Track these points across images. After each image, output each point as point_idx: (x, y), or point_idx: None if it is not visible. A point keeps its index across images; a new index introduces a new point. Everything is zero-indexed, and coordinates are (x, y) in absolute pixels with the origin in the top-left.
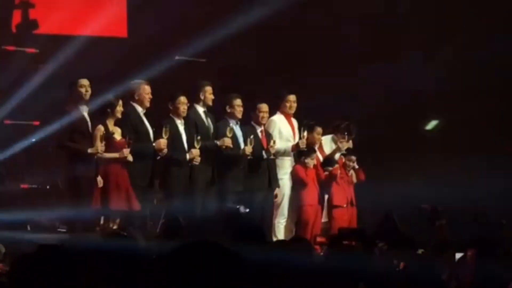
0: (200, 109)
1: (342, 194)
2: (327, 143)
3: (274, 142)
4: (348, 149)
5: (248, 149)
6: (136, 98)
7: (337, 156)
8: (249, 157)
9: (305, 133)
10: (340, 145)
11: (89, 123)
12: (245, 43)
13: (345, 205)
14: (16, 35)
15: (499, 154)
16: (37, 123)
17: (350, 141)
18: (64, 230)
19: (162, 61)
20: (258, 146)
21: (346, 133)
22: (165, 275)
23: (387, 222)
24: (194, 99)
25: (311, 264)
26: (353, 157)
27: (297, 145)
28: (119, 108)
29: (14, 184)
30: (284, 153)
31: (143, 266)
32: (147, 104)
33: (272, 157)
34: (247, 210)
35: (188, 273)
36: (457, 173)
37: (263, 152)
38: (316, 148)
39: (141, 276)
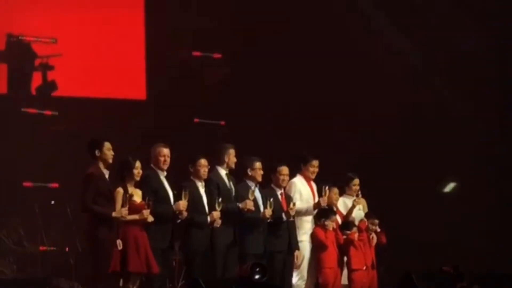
0: (223, 172)
1: (361, 257)
2: (341, 204)
3: (294, 204)
4: (369, 213)
5: (268, 212)
6: (154, 160)
7: (359, 217)
8: (268, 220)
9: (327, 191)
10: (355, 203)
11: (110, 186)
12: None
13: (364, 268)
14: (35, 97)
15: None
16: (56, 185)
17: (362, 198)
18: None
19: (182, 123)
20: (278, 209)
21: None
22: None
23: (406, 282)
24: (216, 161)
25: None
26: (376, 221)
27: (318, 203)
28: (137, 171)
29: (33, 245)
30: (305, 213)
31: None
32: (164, 167)
33: (291, 219)
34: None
35: None
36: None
37: (283, 215)
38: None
39: None
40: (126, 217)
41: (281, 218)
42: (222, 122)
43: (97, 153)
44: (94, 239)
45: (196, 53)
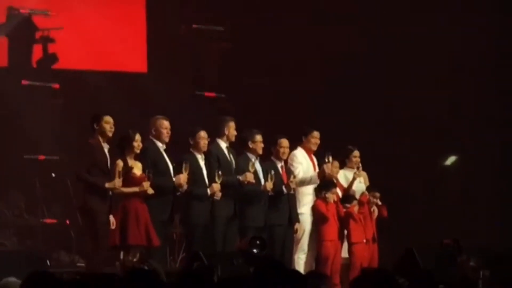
0: (223, 144)
1: (361, 230)
2: (341, 176)
3: (295, 177)
4: (371, 186)
5: (269, 185)
6: (154, 133)
7: (360, 190)
8: (269, 193)
9: (330, 158)
10: (355, 175)
11: (109, 160)
12: (263, 77)
13: (364, 241)
14: (36, 70)
15: None
16: (56, 158)
17: (363, 171)
18: (83, 265)
19: (182, 96)
20: (279, 181)
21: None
22: None
23: (408, 258)
24: (216, 134)
25: None
26: (377, 194)
27: (322, 171)
28: (137, 143)
29: (33, 218)
30: (309, 182)
31: None
32: (166, 139)
33: (292, 192)
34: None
35: None
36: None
37: (284, 187)
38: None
39: None
40: (123, 189)
41: (282, 191)
42: (223, 95)
43: (95, 126)
44: (86, 209)
45: (197, 26)
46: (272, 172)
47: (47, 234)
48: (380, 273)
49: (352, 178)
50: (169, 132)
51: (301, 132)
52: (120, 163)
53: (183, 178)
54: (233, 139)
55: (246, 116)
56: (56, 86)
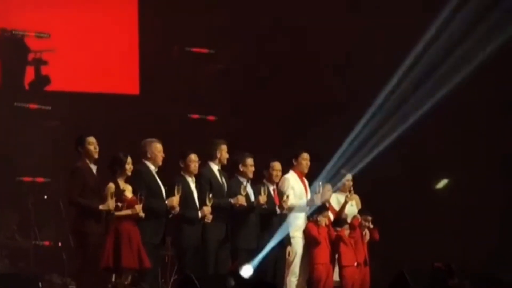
0: (215, 167)
1: (351, 254)
2: (333, 200)
3: (288, 197)
4: (363, 209)
5: (263, 198)
6: (149, 156)
7: (352, 213)
8: (263, 207)
9: (321, 188)
10: (347, 199)
11: (98, 181)
12: (256, 99)
13: (355, 265)
14: (28, 92)
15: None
16: (48, 180)
17: (355, 195)
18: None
19: (174, 118)
20: (271, 203)
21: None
22: None
23: (399, 281)
24: (208, 157)
25: None
26: (369, 217)
27: (312, 200)
28: (129, 166)
29: (25, 240)
30: (298, 210)
31: None
32: (159, 163)
33: (285, 211)
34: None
35: None
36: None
37: (277, 207)
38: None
39: None
40: (114, 210)
41: (275, 211)
42: (214, 118)
43: (80, 149)
44: (81, 233)
45: (189, 48)
46: (265, 188)
47: (40, 256)
48: None
49: (344, 202)
50: (163, 155)
51: (291, 155)
52: (112, 186)
53: (175, 200)
54: (225, 162)
55: (238, 138)
56: (49, 108)
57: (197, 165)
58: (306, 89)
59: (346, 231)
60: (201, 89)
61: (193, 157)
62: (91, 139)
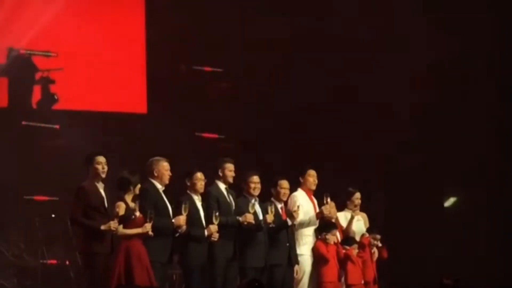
0: (222, 186)
1: (358, 272)
2: (342, 218)
3: (299, 207)
4: (371, 227)
5: (270, 217)
6: (155, 174)
7: (360, 231)
8: (270, 225)
9: (329, 200)
10: (353, 214)
11: (105, 200)
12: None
13: (362, 283)
14: (36, 111)
15: None
16: (56, 199)
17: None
18: None
19: (181, 137)
20: (279, 221)
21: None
22: None
23: None
24: (215, 175)
25: None
26: (378, 236)
27: (321, 212)
28: (137, 185)
29: (33, 259)
30: (308, 224)
31: None
32: (166, 181)
33: (295, 222)
34: None
35: None
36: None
37: (288, 219)
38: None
39: None
40: (118, 230)
41: (285, 223)
42: (223, 136)
43: (89, 167)
44: (87, 253)
45: (197, 67)
46: (272, 206)
47: (47, 275)
48: None
49: (350, 218)
50: (170, 173)
51: (298, 173)
52: (122, 205)
53: (182, 219)
54: (230, 180)
55: (246, 156)
56: (57, 126)
57: (203, 183)
58: (314, 104)
59: (354, 250)
60: (209, 108)
61: (199, 175)
62: (100, 159)
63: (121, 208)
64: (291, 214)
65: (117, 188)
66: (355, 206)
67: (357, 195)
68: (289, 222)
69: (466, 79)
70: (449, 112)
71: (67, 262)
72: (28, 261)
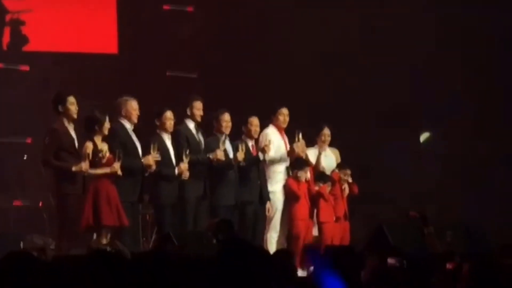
0: (191, 124)
1: (330, 210)
2: (312, 155)
3: (270, 141)
4: (342, 163)
5: (240, 155)
6: (124, 114)
7: (329, 167)
8: (241, 164)
9: (299, 135)
10: (320, 149)
11: (76, 141)
12: (233, 57)
13: (333, 220)
14: (6, 52)
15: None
16: (28, 140)
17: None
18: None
19: (153, 77)
20: (250, 158)
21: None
22: None
23: (378, 235)
24: (185, 114)
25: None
26: (348, 171)
27: (292, 149)
28: (106, 125)
29: (5, 201)
30: (279, 161)
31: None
32: (135, 120)
33: (267, 157)
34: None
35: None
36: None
37: (259, 153)
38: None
39: None
40: (93, 170)
41: (257, 159)
42: (194, 75)
43: (60, 108)
44: (59, 194)
45: (167, 7)
46: (243, 144)
47: (20, 217)
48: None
49: (318, 153)
50: (138, 113)
51: (270, 110)
52: (89, 145)
53: (152, 158)
54: (198, 119)
55: (218, 96)
56: (27, 68)
57: (172, 122)
58: (286, 41)
59: (328, 188)
60: (179, 47)
61: (169, 114)
62: (73, 99)
63: (89, 149)
64: (262, 149)
65: (85, 129)
66: (323, 142)
67: (326, 131)
68: (261, 157)
69: None
70: None
71: (40, 204)
72: (0, 202)
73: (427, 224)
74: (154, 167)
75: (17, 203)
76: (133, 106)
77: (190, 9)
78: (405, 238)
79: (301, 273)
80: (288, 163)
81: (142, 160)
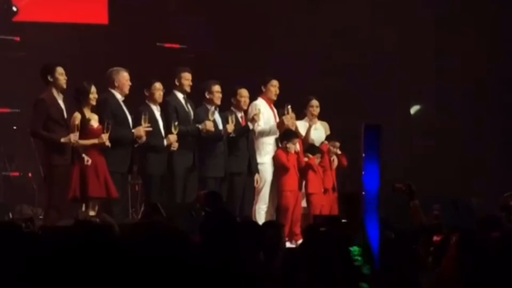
0: (180, 95)
1: (318, 181)
2: (302, 127)
3: (259, 110)
4: (330, 135)
5: (230, 127)
6: (116, 85)
7: (319, 139)
8: (231, 135)
9: (289, 109)
10: (310, 122)
11: (65, 111)
12: (223, 29)
13: (322, 191)
14: None
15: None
16: (17, 111)
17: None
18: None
19: (143, 47)
20: (240, 129)
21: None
22: None
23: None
24: (173, 85)
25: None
26: (337, 143)
27: (281, 122)
28: (93, 95)
29: None
30: (268, 133)
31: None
32: (126, 91)
33: (257, 127)
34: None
35: None
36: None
37: (249, 122)
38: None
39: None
40: (81, 141)
41: (247, 128)
42: (184, 46)
43: (49, 78)
44: (48, 165)
45: None
46: (233, 116)
47: (9, 187)
48: (332, 219)
49: (308, 127)
50: (130, 84)
51: (260, 82)
52: (78, 115)
53: (142, 129)
54: (187, 89)
55: (207, 67)
56: (17, 39)
57: (161, 93)
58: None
59: (317, 160)
60: (171, 18)
61: (158, 85)
62: (61, 69)
63: (77, 119)
64: (252, 119)
65: (74, 99)
66: (312, 115)
67: (314, 102)
68: (250, 126)
69: None
70: None
71: (30, 175)
72: None
73: (413, 197)
74: (144, 138)
75: (6, 173)
76: (125, 76)
77: None
78: (388, 208)
79: (289, 244)
80: (277, 135)
81: (133, 131)
